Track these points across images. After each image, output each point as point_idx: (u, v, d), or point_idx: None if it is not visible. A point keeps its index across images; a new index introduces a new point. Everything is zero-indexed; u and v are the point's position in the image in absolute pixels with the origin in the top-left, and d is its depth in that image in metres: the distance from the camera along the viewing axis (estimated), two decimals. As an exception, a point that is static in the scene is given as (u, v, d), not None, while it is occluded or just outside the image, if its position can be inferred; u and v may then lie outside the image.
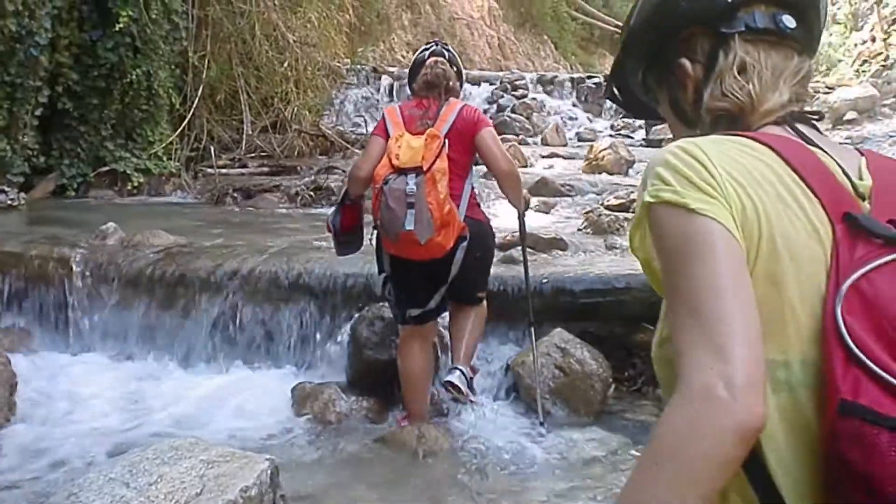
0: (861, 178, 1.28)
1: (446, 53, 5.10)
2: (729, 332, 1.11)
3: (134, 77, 11.13)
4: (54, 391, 5.67)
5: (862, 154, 1.36)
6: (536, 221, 8.59)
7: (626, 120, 17.39)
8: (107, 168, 11.61)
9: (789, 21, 1.41)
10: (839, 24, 26.39)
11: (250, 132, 13.70)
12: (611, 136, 15.51)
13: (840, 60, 23.45)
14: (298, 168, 12.95)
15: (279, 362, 6.04)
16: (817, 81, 20.20)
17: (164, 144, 12.23)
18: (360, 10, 17.02)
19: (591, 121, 17.91)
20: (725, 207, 1.19)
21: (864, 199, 1.24)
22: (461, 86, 5.19)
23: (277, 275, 6.26)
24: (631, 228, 1.36)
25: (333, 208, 5.03)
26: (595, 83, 18.64)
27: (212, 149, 12.98)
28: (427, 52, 5.11)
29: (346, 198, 4.94)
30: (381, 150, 4.66)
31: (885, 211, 1.21)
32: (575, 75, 20.27)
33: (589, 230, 8.32)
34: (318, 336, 6.04)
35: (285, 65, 13.71)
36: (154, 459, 3.65)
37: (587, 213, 8.79)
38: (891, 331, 1.07)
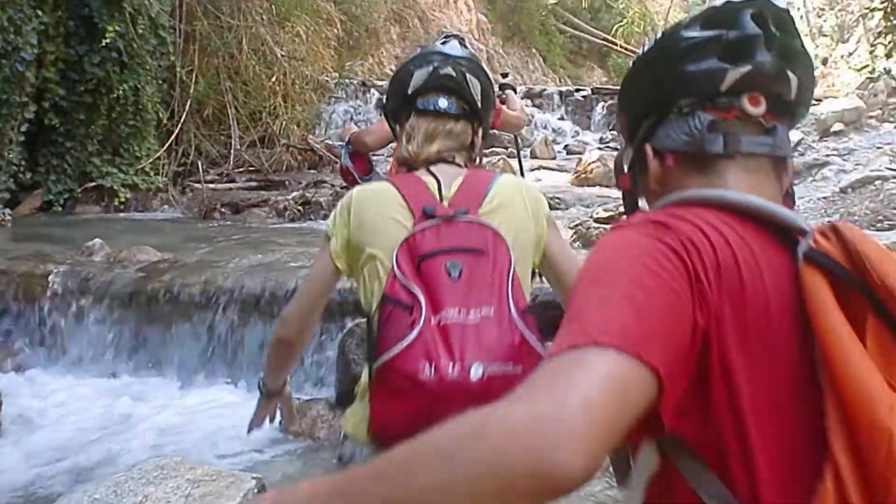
0: (449, 190, 2.23)
1: None
2: (298, 294, 2.41)
3: (121, 92, 11.10)
4: (40, 409, 5.62)
5: (469, 174, 2.31)
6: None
7: (614, 133, 17.40)
8: (93, 183, 11.58)
9: (443, 103, 2.31)
10: (825, 36, 26.54)
11: (238, 147, 13.66)
12: (599, 148, 15.51)
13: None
14: (287, 182, 12.94)
15: (267, 378, 5.98)
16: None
17: (151, 159, 12.18)
18: (349, 24, 17.01)
19: (579, 133, 17.91)
20: (340, 236, 2.26)
21: (444, 201, 2.20)
22: None
23: (265, 290, 6.22)
24: None
25: (343, 153, 4.96)
26: (583, 96, 18.63)
27: (199, 163, 12.95)
28: None
29: (353, 151, 4.89)
30: (388, 133, 4.72)
31: (454, 204, 2.17)
32: (563, 88, 20.19)
33: (578, 243, 8.25)
34: (305, 352, 5.99)
35: (273, 79, 13.70)
36: (139, 479, 3.62)
37: (576, 225, 8.74)
38: (414, 258, 2.04)
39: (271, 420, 2.66)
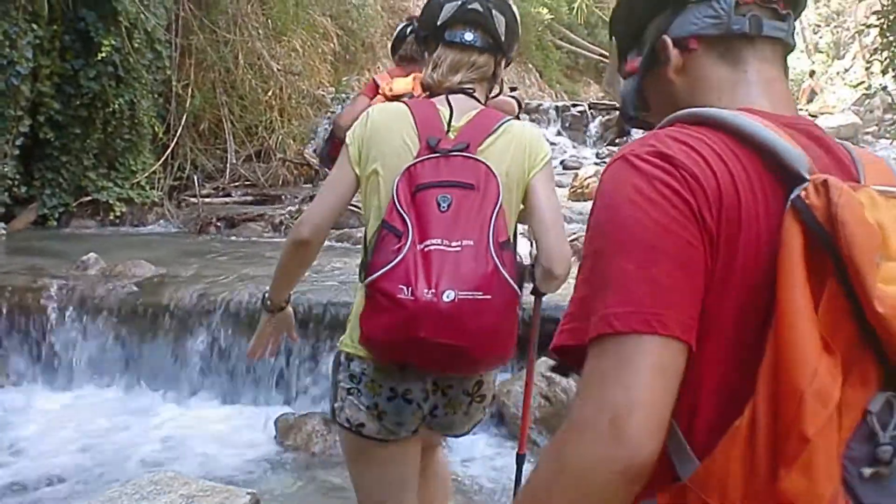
0: (459, 121, 2.44)
1: None
2: (318, 198, 2.56)
3: (116, 106, 11.05)
4: (33, 423, 5.60)
5: (483, 110, 2.53)
6: (521, 249, 8.53)
7: (610, 147, 17.41)
8: (89, 198, 11.51)
9: (469, 36, 2.51)
10: (821, 52, 26.63)
11: (234, 161, 13.63)
12: (595, 163, 15.50)
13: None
14: (283, 197, 12.90)
15: (262, 393, 5.97)
16: (801, 109, 20.32)
17: (146, 174, 12.13)
18: (345, 38, 17.01)
19: (575, 148, 17.92)
20: (357, 147, 2.48)
21: (450, 132, 2.42)
22: None
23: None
24: None
25: (322, 143, 5.15)
26: (580, 111, 18.64)
27: (195, 178, 12.91)
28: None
29: (333, 136, 4.99)
30: (364, 108, 4.75)
31: (459, 139, 2.40)
32: (560, 103, 20.18)
33: (574, 257, 8.21)
34: (301, 366, 5.97)
35: (269, 93, 13.68)
36: (133, 495, 3.59)
37: (572, 240, 8.70)
38: (411, 187, 2.29)
39: (272, 352, 2.87)
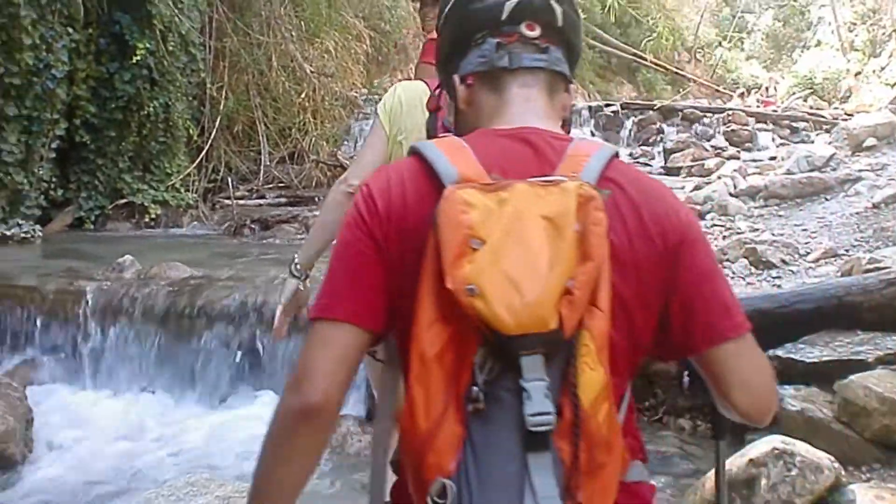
0: None
1: None
2: (358, 160, 3.31)
3: (151, 109, 11.14)
4: (70, 426, 5.63)
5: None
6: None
7: (644, 147, 17.34)
8: (124, 200, 11.61)
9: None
10: (857, 50, 26.35)
11: (268, 163, 13.69)
12: (629, 164, 15.43)
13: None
14: (316, 198, 12.89)
15: (297, 395, 5.96)
16: (836, 108, 20.11)
17: (181, 176, 12.23)
18: (378, 39, 17.00)
19: (609, 149, 17.80)
20: (387, 117, 3.00)
21: None
22: None
23: (295, 306, 6.19)
24: None
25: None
26: (613, 111, 18.55)
27: (229, 180, 12.99)
28: None
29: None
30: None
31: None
32: (593, 104, 20.05)
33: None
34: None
35: (302, 95, 13.71)
36: (169, 496, 3.61)
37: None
38: None
39: (296, 317, 3.14)
